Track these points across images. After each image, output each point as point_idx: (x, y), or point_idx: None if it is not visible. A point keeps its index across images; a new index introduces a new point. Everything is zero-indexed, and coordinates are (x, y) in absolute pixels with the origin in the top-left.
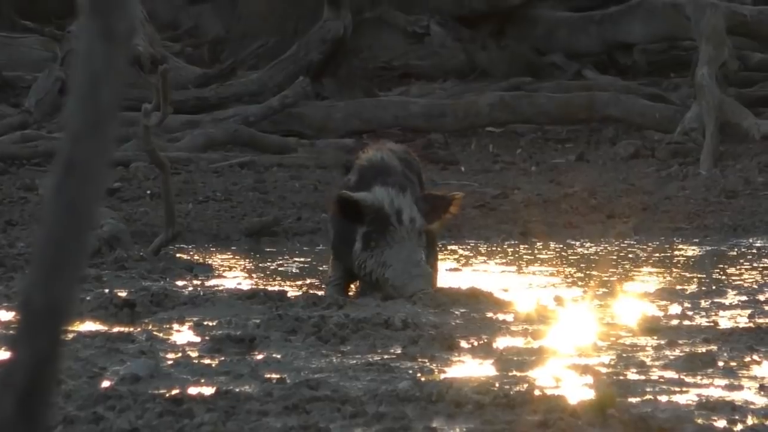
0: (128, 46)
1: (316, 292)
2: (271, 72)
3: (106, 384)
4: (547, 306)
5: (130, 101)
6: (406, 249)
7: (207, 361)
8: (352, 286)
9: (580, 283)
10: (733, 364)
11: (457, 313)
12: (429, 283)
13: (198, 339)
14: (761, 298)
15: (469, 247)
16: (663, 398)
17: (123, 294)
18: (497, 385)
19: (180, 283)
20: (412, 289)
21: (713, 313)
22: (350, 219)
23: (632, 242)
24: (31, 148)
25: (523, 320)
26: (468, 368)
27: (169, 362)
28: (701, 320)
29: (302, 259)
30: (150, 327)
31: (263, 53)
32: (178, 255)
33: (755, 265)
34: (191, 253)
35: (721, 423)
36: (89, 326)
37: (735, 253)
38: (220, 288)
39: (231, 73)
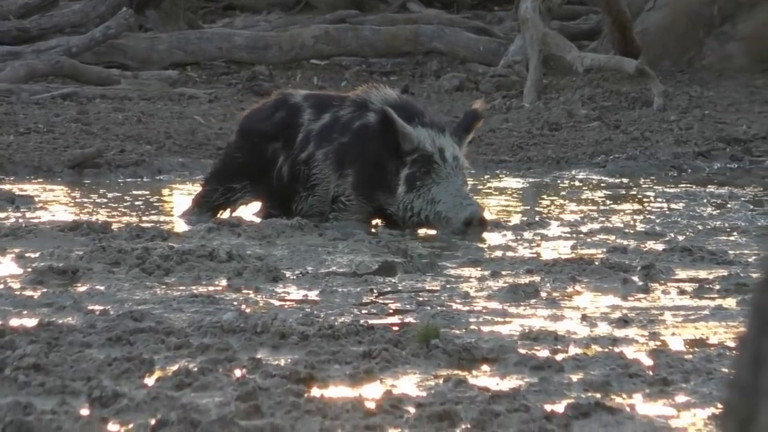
0: None
1: (139, 223)
2: (93, 3)
3: None
4: (372, 236)
5: None
6: (453, 184)
7: (29, 293)
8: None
9: None
10: (555, 294)
11: (282, 244)
12: (481, 210)
13: (20, 271)
14: (583, 229)
15: None
16: (486, 329)
17: None
18: (322, 316)
19: (1, 215)
20: (466, 215)
21: (536, 245)
22: (388, 151)
23: None
24: None
25: (348, 251)
26: (293, 299)
27: None
28: (524, 251)
29: (125, 191)
30: None
31: None
32: None
33: (578, 197)
34: (12, 184)
35: (543, 353)
36: None
37: (558, 185)
38: (43, 220)
39: (52, 4)
